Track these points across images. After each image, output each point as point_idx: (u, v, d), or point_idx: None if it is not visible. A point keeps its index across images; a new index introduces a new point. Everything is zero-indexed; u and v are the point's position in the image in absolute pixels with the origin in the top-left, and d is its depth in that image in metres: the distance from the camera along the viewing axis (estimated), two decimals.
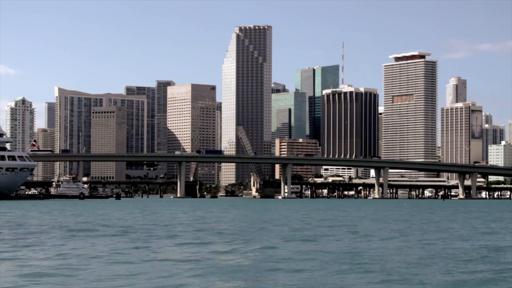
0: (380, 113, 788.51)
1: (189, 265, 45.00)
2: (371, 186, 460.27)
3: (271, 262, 46.69)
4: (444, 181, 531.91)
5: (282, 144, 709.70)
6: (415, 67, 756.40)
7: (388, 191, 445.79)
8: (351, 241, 66.36)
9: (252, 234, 75.41)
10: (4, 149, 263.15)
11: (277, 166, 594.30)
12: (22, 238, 67.74)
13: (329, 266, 44.72)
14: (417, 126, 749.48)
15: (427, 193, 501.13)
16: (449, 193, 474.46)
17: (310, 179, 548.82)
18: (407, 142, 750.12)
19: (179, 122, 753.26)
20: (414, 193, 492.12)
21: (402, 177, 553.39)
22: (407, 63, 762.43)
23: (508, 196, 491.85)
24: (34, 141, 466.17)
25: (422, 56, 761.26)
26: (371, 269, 43.25)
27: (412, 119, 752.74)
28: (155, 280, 38.46)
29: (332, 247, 59.02)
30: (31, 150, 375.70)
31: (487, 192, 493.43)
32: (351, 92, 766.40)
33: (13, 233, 75.72)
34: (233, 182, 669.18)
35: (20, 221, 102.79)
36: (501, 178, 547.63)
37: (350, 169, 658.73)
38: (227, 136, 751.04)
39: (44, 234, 74.15)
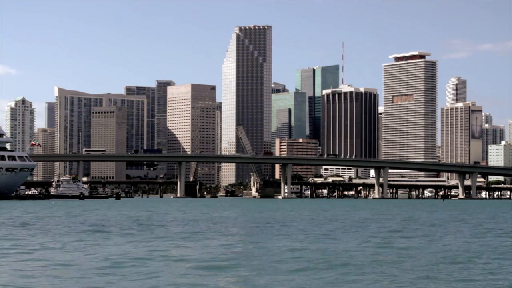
0: (380, 113, 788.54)
1: None
2: (371, 186, 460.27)
3: None
4: (444, 181, 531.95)
5: (282, 144, 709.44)
6: (415, 67, 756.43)
7: (388, 191, 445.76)
8: None
9: None
10: (4, 149, 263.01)
11: (277, 166, 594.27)
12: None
13: None
14: (417, 126, 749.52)
15: (427, 193, 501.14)
16: (449, 193, 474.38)
17: (310, 179, 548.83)
18: (407, 142, 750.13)
19: (179, 122, 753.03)
20: (414, 193, 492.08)
21: (402, 177, 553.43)
22: (407, 63, 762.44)
23: (508, 196, 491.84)
24: (34, 140, 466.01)
25: (422, 56, 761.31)
26: None
27: (412, 119, 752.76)
28: None
29: None
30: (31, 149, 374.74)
31: (487, 192, 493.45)
32: (351, 92, 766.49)
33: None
34: (233, 182, 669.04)
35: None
36: (501, 178, 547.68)
37: (350, 169, 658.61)
38: (227, 136, 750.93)
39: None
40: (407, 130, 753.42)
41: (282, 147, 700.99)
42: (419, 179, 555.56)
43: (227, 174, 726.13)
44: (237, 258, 49.44)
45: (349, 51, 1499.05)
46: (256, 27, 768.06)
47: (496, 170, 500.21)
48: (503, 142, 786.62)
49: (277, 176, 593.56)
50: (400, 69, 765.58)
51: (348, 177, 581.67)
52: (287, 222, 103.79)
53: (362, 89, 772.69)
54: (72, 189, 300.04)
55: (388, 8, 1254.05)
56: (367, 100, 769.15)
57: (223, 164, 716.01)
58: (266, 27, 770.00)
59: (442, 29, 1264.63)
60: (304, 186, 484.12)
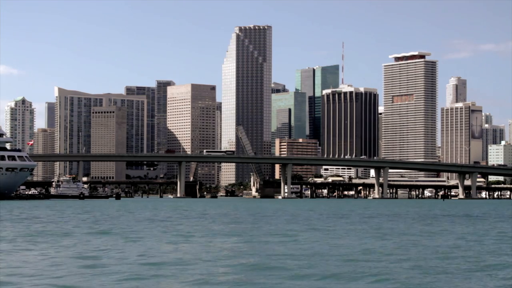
0: (380, 113, 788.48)
1: None
2: (371, 186, 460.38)
3: None
4: (444, 181, 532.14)
5: (282, 144, 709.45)
6: (415, 67, 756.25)
7: (388, 191, 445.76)
8: None
9: None
10: (4, 149, 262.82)
11: (277, 166, 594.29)
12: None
13: None
14: (417, 126, 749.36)
15: (427, 193, 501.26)
16: (449, 193, 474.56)
17: (310, 179, 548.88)
18: (407, 142, 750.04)
19: (179, 122, 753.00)
20: (414, 193, 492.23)
21: (402, 177, 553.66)
22: (407, 63, 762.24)
23: (508, 196, 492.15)
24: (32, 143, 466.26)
25: (422, 56, 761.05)
26: None
27: (412, 119, 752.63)
28: None
29: None
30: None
31: (487, 192, 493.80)
32: (351, 92, 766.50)
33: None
34: (233, 182, 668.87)
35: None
36: (501, 178, 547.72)
37: (350, 169, 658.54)
38: (227, 136, 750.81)
39: None
40: (407, 130, 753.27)
41: (282, 147, 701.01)
42: (419, 179, 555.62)
43: (227, 174, 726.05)
44: None
45: (349, 51, 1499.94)
46: (256, 27, 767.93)
47: (496, 170, 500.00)
48: (503, 142, 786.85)
49: (277, 176, 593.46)
50: (400, 69, 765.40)
51: (348, 177, 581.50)
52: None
53: (362, 89, 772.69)
54: (72, 189, 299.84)
55: (388, 8, 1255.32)
56: (367, 100, 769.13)
57: (223, 164, 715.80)
58: (266, 27, 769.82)
59: (444, 29, 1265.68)
60: (304, 186, 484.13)
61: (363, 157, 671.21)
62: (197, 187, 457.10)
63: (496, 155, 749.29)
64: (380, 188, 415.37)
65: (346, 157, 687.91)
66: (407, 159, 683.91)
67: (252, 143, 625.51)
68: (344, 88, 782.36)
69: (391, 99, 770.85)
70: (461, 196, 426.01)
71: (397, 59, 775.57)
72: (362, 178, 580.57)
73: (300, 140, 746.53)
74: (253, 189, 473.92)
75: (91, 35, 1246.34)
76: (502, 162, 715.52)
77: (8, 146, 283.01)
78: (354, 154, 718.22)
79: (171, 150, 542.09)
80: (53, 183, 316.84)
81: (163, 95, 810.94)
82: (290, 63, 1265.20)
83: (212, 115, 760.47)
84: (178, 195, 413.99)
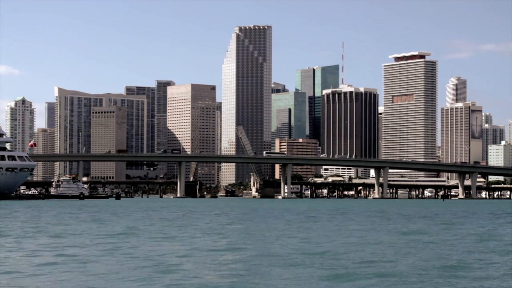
0: (380, 113, 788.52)
1: None
2: (371, 186, 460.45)
3: None
4: (444, 181, 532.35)
5: (282, 144, 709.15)
6: (415, 67, 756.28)
7: (388, 191, 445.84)
8: None
9: None
10: (4, 149, 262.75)
11: (277, 166, 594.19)
12: None
13: None
14: (417, 126, 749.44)
15: (427, 193, 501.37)
16: (449, 193, 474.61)
17: (310, 179, 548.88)
18: (407, 142, 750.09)
19: (179, 122, 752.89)
20: (414, 193, 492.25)
21: (402, 177, 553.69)
22: (407, 63, 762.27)
23: (508, 196, 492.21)
24: (33, 141, 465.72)
25: (422, 56, 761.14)
26: None
27: (412, 119, 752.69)
28: None
29: None
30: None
31: (487, 192, 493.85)
32: (351, 92, 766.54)
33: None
34: (233, 182, 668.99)
35: None
36: (501, 178, 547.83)
37: (350, 169, 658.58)
38: (227, 136, 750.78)
39: None
40: (407, 130, 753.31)
41: (282, 147, 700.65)
42: (419, 179, 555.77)
43: (227, 174, 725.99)
44: None
45: (349, 51, 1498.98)
46: (256, 27, 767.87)
47: (496, 170, 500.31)
48: (503, 142, 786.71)
49: (277, 176, 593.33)
50: (400, 69, 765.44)
51: (348, 177, 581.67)
52: None
53: (362, 89, 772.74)
54: (72, 189, 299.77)
55: (388, 8, 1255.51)
56: (367, 100, 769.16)
57: (223, 164, 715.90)
58: (266, 27, 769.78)
59: (444, 29, 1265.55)
60: (304, 186, 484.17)
61: (356, 156, 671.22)
62: (197, 187, 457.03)
63: (496, 155, 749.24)
64: (380, 188, 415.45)
65: (347, 157, 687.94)
66: (407, 159, 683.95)
67: (252, 143, 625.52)
68: (344, 88, 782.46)
69: (391, 99, 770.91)
70: (461, 196, 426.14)
71: (397, 59, 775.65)
72: (362, 178, 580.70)
73: (300, 140, 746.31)
74: (253, 189, 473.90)
75: (91, 35, 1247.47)
76: (502, 162, 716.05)
77: (8, 146, 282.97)
78: (354, 154, 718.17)
79: (123, 150, 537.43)
80: (53, 183, 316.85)
81: (163, 95, 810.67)
82: (290, 63, 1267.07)
83: (212, 115, 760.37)
84: (178, 195, 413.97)
